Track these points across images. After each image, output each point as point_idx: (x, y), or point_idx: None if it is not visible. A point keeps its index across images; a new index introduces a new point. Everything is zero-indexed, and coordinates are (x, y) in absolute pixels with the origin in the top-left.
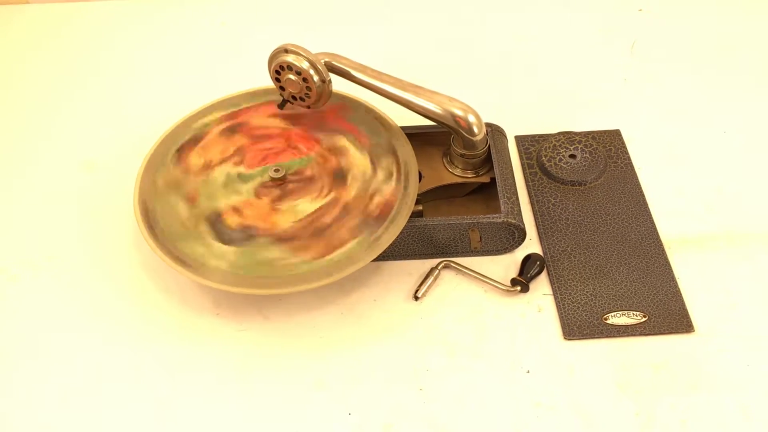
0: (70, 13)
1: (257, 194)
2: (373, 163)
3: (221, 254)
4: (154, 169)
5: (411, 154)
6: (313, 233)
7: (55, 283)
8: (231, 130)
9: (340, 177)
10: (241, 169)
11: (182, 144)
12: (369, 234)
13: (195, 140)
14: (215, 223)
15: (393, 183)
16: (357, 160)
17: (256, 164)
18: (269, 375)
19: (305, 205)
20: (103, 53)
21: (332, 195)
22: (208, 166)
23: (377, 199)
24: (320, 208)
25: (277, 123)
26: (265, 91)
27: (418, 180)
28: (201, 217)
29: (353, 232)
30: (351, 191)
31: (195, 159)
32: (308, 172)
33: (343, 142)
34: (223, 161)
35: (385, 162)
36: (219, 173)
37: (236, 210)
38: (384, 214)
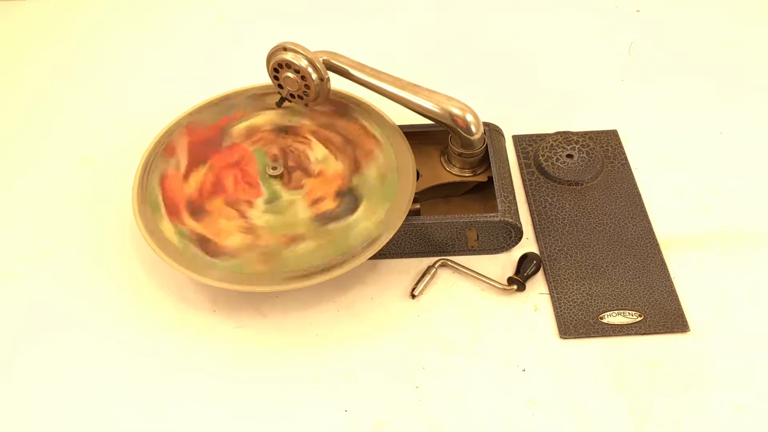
0: (67, 8)
1: (297, 187)
2: (268, 109)
3: (368, 212)
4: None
5: (409, 152)
6: (353, 147)
7: (52, 279)
8: (196, 212)
9: (286, 128)
10: (260, 200)
11: (208, 254)
12: (357, 111)
13: (205, 242)
14: (330, 217)
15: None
16: (266, 116)
17: (256, 189)
18: (265, 372)
19: (317, 153)
20: (100, 49)
21: (308, 134)
22: (249, 229)
23: (317, 107)
24: (324, 144)
25: (198, 174)
26: (145, 170)
27: (416, 176)
28: (318, 229)
29: (353, 121)
30: (304, 122)
31: (233, 240)
32: (275, 151)
33: (238, 128)
34: (244, 216)
35: (267, 102)
36: (260, 219)
37: (315, 202)
38: (333, 102)
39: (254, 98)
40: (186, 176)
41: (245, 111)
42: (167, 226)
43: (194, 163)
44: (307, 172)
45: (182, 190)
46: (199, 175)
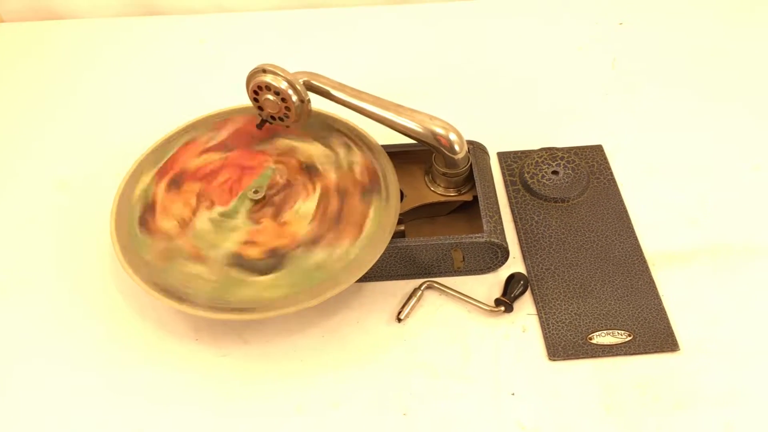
0: (44, 31)
1: (254, 220)
2: (325, 145)
3: (272, 284)
4: (133, 251)
5: (392, 171)
6: (333, 223)
7: (27, 307)
8: (176, 183)
9: (311, 169)
10: (219, 209)
11: (140, 217)
12: (378, 197)
13: (149, 209)
14: (240, 262)
15: (356, 149)
16: (310, 149)
17: (228, 198)
18: (250, 401)
19: (304, 206)
20: (77, 72)
21: (319, 186)
22: (185, 224)
23: (357, 169)
24: (319, 201)
25: (213, 156)
26: (180, 133)
27: (399, 197)
28: (222, 265)
29: (365, 203)
30: (331, 175)
31: (165, 224)
32: (281, 180)
33: (285, 142)
34: (195, 211)
35: (334, 139)
36: (201, 223)
37: (248, 243)
38: (373, 175)
39: (325, 126)
40: (204, 152)
41: (311, 133)
42: (145, 179)
43: (222, 146)
44: (276, 216)
45: (187, 160)
46: (211, 158)
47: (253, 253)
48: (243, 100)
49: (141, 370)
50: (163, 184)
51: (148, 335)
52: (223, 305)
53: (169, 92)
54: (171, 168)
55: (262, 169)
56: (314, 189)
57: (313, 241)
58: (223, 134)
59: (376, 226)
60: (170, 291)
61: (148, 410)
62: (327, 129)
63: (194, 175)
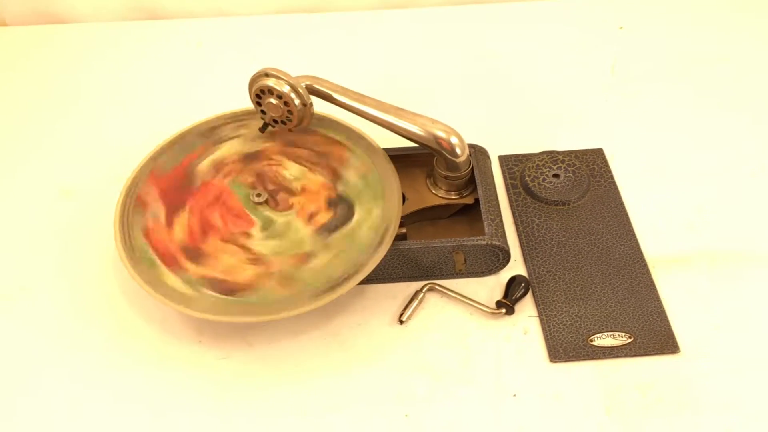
0: (48, 35)
1: (285, 209)
2: (215, 145)
3: (367, 212)
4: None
5: (394, 175)
6: (324, 158)
7: (30, 314)
8: (196, 257)
9: (250, 155)
10: (255, 230)
11: (227, 294)
12: (321, 129)
13: (221, 283)
14: (332, 227)
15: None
16: (227, 146)
17: (246, 220)
18: (253, 403)
19: (291, 170)
20: (80, 76)
21: (275, 156)
22: (257, 260)
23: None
24: (294, 161)
25: (181, 220)
26: (124, 235)
27: (402, 201)
28: (324, 241)
29: (312, 132)
30: (266, 145)
31: (245, 275)
32: (250, 179)
33: (203, 164)
34: (245, 248)
35: (217, 135)
36: (263, 248)
37: (311, 217)
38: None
39: (208, 132)
40: (169, 224)
41: (204, 146)
42: (172, 279)
43: (172, 210)
44: (291, 191)
45: (172, 239)
46: (182, 221)
47: (324, 217)
48: (244, 103)
49: (144, 372)
50: (192, 267)
51: (152, 338)
52: (368, 251)
53: (170, 97)
54: (172, 256)
55: (226, 187)
56: (275, 159)
57: (335, 174)
58: (157, 207)
59: (341, 134)
60: (286, 306)
61: (151, 412)
62: (208, 134)
63: (197, 239)
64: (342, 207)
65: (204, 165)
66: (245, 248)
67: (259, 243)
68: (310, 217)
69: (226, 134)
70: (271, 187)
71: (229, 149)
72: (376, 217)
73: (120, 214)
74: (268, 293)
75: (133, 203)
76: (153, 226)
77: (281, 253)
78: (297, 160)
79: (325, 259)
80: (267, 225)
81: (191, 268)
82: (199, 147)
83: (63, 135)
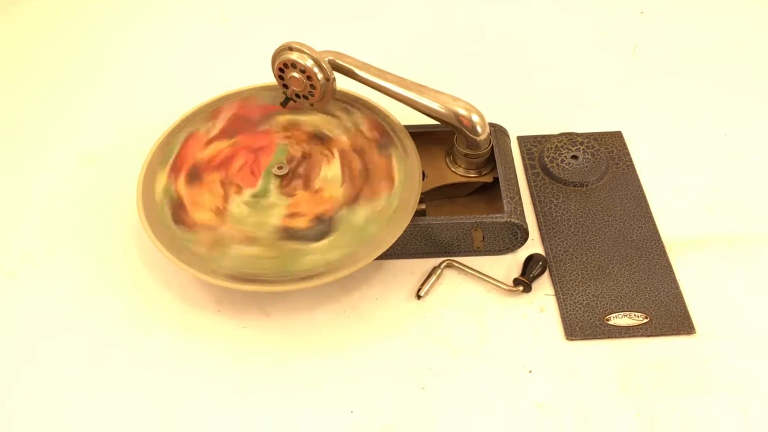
0: (69, 5)
1: (287, 194)
2: (324, 112)
3: (331, 247)
4: (180, 249)
5: (414, 152)
6: (364, 179)
7: (55, 278)
8: (194, 176)
9: (322, 137)
10: (249, 191)
11: (173, 217)
12: (395, 149)
13: (179, 206)
14: (292, 235)
15: (355, 111)
16: (312, 119)
17: (254, 180)
18: (270, 372)
19: (330, 171)
20: (104, 47)
21: (335, 150)
22: (221, 212)
23: (364, 127)
24: (342, 164)
25: (220, 145)
26: (179, 127)
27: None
28: (275, 241)
29: (386, 157)
30: (342, 138)
31: (202, 216)
32: (297, 153)
33: (285, 118)
34: (227, 199)
35: (330, 105)
36: (236, 208)
37: (292, 215)
38: (382, 130)
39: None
40: (209, 142)
41: (295, 105)
42: (162, 179)
43: (224, 133)
44: (307, 185)
45: (195, 154)
46: (219, 146)
47: (300, 223)
48: (266, 77)
49: (164, 340)
50: (181, 181)
51: (172, 306)
52: (289, 276)
53: (193, 68)
54: (182, 164)
55: (274, 146)
56: (332, 154)
57: (353, 200)
58: (220, 123)
59: (403, 174)
60: (237, 276)
61: (169, 380)
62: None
63: (209, 165)
64: (320, 229)
65: (282, 119)
66: (225, 199)
67: (237, 202)
68: (292, 215)
69: (322, 108)
70: (300, 170)
71: (312, 119)
72: (327, 258)
73: (186, 116)
74: (192, 243)
75: (209, 111)
76: (201, 135)
77: (239, 222)
78: (345, 166)
79: (256, 252)
80: (260, 194)
81: (180, 184)
82: (293, 104)
83: (85, 104)
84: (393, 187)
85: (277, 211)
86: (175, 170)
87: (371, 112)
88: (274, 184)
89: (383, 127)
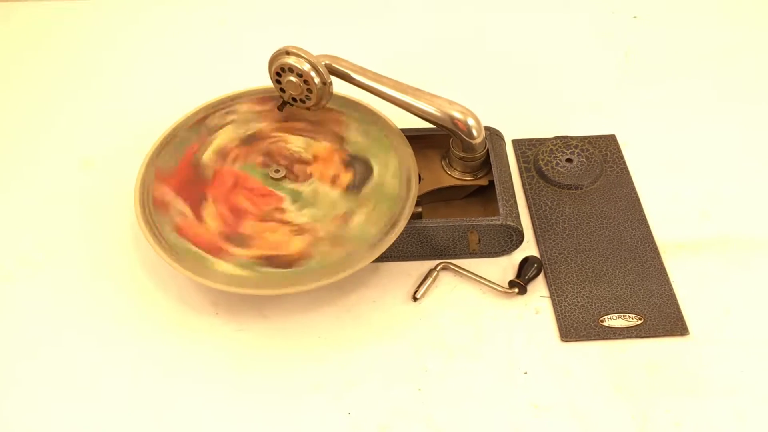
0: (66, 9)
1: (305, 179)
2: (210, 132)
3: (390, 170)
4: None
5: (410, 155)
6: (320, 125)
7: (52, 280)
8: (239, 243)
9: (250, 137)
10: (287, 203)
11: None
12: (352, 111)
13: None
14: (353, 186)
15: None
16: (219, 138)
17: (274, 197)
18: (268, 375)
19: (297, 141)
20: (101, 50)
21: (289, 136)
22: (302, 231)
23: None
24: (303, 135)
25: (210, 211)
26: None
27: (418, 180)
28: (356, 197)
29: (332, 110)
30: (258, 126)
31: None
32: (260, 159)
33: (207, 156)
34: (264, 219)
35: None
36: (297, 218)
37: (333, 180)
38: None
39: (196, 125)
40: (199, 218)
41: (199, 138)
42: (226, 267)
43: (196, 204)
44: (304, 161)
45: (208, 230)
46: (211, 212)
47: (346, 177)
48: (263, 81)
49: (161, 343)
50: (241, 251)
51: (169, 309)
52: (402, 200)
53: (191, 71)
54: (216, 246)
55: (241, 173)
56: (276, 136)
57: (338, 137)
58: (178, 204)
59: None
60: (302, 280)
61: (166, 382)
62: (197, 129)
63: (233, 225)
64: (359, 164)
65: (207, 156)
66: (285, 222)
67: (295, 215)
68: (333, 180)
69: (216, 123)
70: (283, 162)
71: (226, 136)
72: (394, 167)
73: (143, 218)
74: (325, 257)
75: (151, 207)
76: (183, 223)
77: (321, 219)
78: (297, 132)
79: (363, 215)
80: (296, 197)
81: (240, 252)
82: (194, 140)
83: (82, 109)
84: (339, 113)
85: (323, 189)
86: (220, 252)
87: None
88: (290, 184)
89: (264, 99)
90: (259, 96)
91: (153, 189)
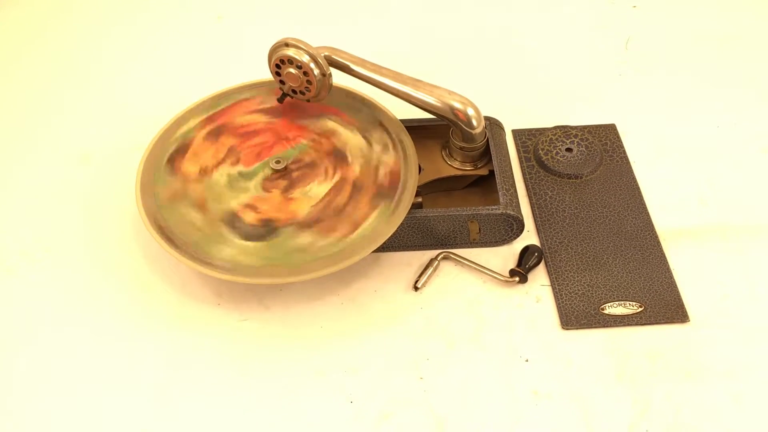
0: (64, 4)
1: (265, 188)
2: (365, 138)
3: (253, 251)
4: (150, 185)
5: (410, 145)
6: (333, 214)
7: (53, 275)
8: (215, 133)
9: (340, 156)
10: (240, 167)
11: (170, 155)
12: (387, 204)
13: (183, 149)
14: (233, 222)
15: (392, 152)
16: (349, 138)
17: (253, 161)
18: (270, 364)
19: (316, 189)
20: (98, 45)
21: (338, 175)
22: (205, 172)
23: (383, 170)
24: (332, 189)
25: (260, 118)
26: (239, 89)
27: (418, 169)
28: (216, 220)
29: (372, 206)
30: (355, 168)
31: (189, 167)
32: (307, 159)
33: (329, 124)
34: (219, 164)
35: (376, 134)
36: (219, 176)
37: (250, 206)
38: (394, 181)
39: (372, 119)
40: (253, 112)
41: (358, 121)
42: (192, 123)
43: (271, 111)
44: (287, 190)
45: (236, 116)
46: (258, 119)
47: (249, 218)
48: (262, 75)
49: (164, 334)
50: (204, 131)
51: (172, 300)
52: (202, 256)
53: (190, 65)
54: (218, 118)
55: (296, 142)
56: (333, 175)
57: (307, 225)
58: (273, 100)
59: (369, 231)
60: (163, 229)
61: (170, 373)
62: (375, 123)
63: (235, 130)
64: (258, 232)
65: (326, 124)
66: (218, 163)
67: (223, 172)
68: (248, 207)
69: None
70: (295, 175)
71: (349, 135)
72: (219, 252)
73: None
74: (164, 185)
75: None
76: (253, 102)
77: (208, 188)
78: (333, 193)
79: (195, 217)
80: (246, 176)
81: (201, 132)
82: (354, 119)
83: (81, 103)
84: (348, 236)
85: (243, 196)
86: (208, 120)
87: (404, 157)
88: (263, 174)
89: (398, 179)
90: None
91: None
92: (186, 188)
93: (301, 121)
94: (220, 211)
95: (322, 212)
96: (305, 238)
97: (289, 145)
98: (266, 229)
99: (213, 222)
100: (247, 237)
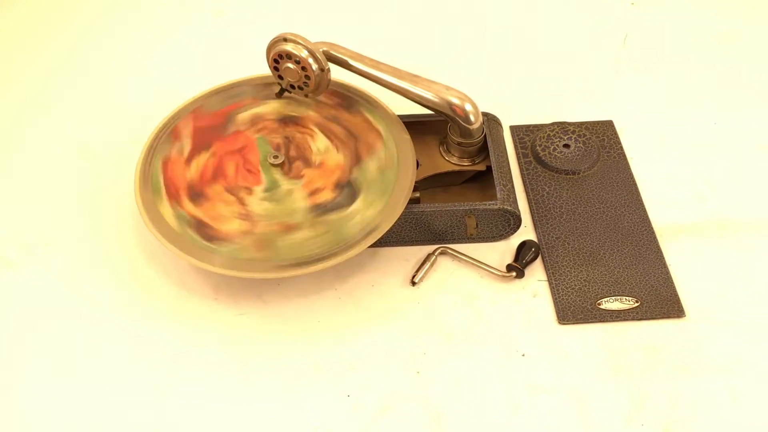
0: None
1: (296, 177)
2: (275, 100)
3: (364, 206)
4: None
5: (409, 141)
6: (354, 140)
7: (51, 268)
8: (196, 197)
9: (289, 119)
10: (259, 188)
11: (202, 236)
12: (362, 105)
13: (202, 225)
14: (326, 209)
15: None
16: (273, 106)
17: (256, 177)
18: (268, 359)
19: (320, 144)
20: (99, 39)
21: (312, 125)
22: (246, 216)
23: (322, 97)
24: (325, 134)
25: (201, 159)
26: (147, 158)
27: (415, 165)
28: (315, 219)
29: (358, 114)
30: (309, 113)
31: (231, 226)
32: (279, 140)
33: (243, 115)
34: (242, 203)
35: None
36: (258, 206)
37: (313, 192)
38: (339, 95)
39: (261, 87)
40: (188, 161)
41: (252, 99)
42: (166, 209)
43: (198, 148)
44: (308, 163)
45: (184, 175)
46: (201, 161)
47: (325, 196)
48: (260, 70)
49: (162, 328)
50: (187, 204)
51: (170, 295)
52: (347, 242)
53: (187, 60)
54: (176, 189)
55: (253, 142)
56: (311, 129)
57: (357, 159)
58: (186, 140)
59: (381, 122)
60: (300, 263)
61: (168, 367)
62: (261, 89)
63: (204, 180)
64: (347, 192)
65: (244, 116)
66: (242, 203)
67: (256, 201)
68: (313, 192)
69: (275, 92)
70: (293, 153)
71: (272, 107)
72: (369, 215)
73: (153, 138)
74: (240, 251)
75: (168, 132)
76: (175, 158)
77: (271, 217)
78: (328, 134)
79: (307, 235)
80: (271, 187)
81: (187, 206)
82: (248, 98)
83: (82, 96)
84: (381, 136)
85: (297, 194)
86: (174, 197)
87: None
88: (278, 174)
89: (338, 92)
90: (333, 89)
91: (181, 119)
92: (257, 234)
93: (226, 132)
94: (308, 215)
95: (347, 146)
96: (372, 164)
97: (254, 148)
98: (348, 188)
99: (317, 222)
100: (348, 202)
